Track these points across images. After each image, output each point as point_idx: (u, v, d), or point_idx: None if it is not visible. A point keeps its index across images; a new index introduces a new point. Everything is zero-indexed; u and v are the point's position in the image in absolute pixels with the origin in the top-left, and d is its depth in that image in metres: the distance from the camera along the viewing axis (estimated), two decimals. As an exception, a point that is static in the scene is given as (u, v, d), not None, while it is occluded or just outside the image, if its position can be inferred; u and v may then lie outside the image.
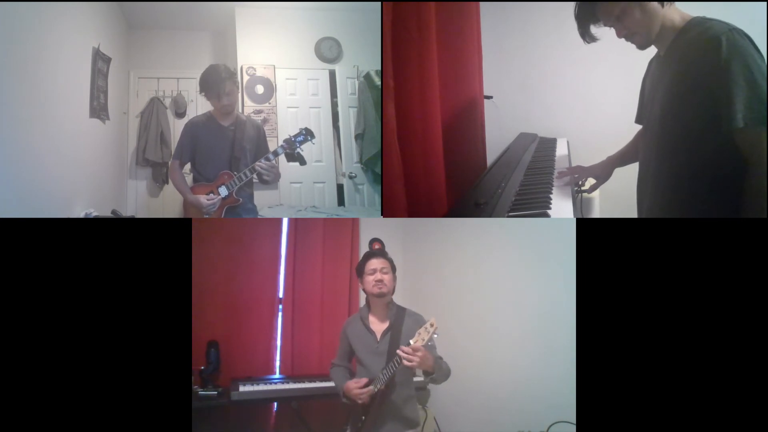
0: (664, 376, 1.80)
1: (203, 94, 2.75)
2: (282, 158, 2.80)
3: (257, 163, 2.69)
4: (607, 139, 2.50)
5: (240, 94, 4.12)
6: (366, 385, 1.94)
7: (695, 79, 1.65)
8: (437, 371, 1.86)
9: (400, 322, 2.01)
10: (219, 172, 2.73)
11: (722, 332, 1.79)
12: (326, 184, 4.35)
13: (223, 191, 2.71)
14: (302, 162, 2.89)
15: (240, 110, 3.99)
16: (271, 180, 2.75)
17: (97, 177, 3.44)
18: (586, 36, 1.88)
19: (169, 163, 3.95)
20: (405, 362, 1.77)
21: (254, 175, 2.70)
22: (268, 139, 2.98)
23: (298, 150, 2.77)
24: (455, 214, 2.26)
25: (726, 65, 1.56)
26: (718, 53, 1.57)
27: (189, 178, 2.89)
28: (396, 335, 1.97)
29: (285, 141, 2.77)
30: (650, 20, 1.75)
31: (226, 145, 2.74)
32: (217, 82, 2.66)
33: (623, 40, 1.85)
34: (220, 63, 2.82)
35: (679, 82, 1.71)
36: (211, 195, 2.71)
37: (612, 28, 1.83)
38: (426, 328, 1.77)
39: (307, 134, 2.78)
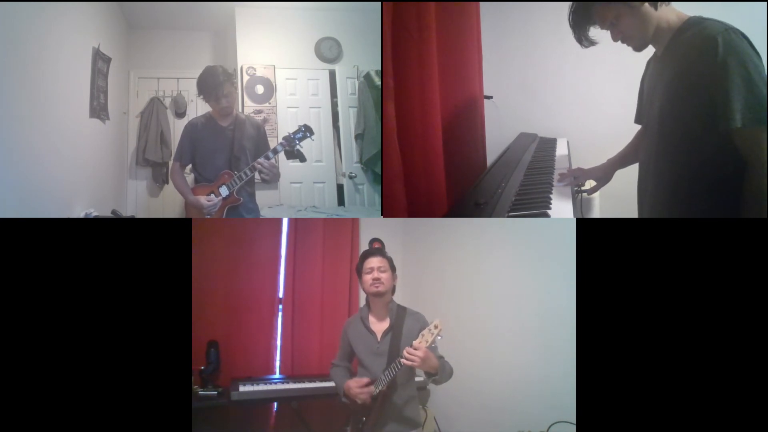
0: (664, 376, 1.80)
1: (201, 96, 2.73)
2: (282, 157, 2.79)
3: (257, 161, 2.68)
4: (607, 139, 2.50)
5: (240, 95, 4.13)
6: (367, 385, 1.94)
7: (693, 79, 1.65)
8: (440, 372, 1.85)
9: (401, 321, 2.00)
10: (219, 172, 2.73)
11: (722, 332, 1.79)
12: (326, 184, 4.35)
13: (224, 191, 2.71)
14: (302, 159, 2.86)
15: (240, 110, 3.98)
16: (270, 179, 2.74)
17: (97, 177, 3.44)
18: (584, 40, 1.88)
19: (170, 164, 3.95)
20: (405, 361, 1.76)
21: (255, 174, 2.70)
22: (268, 139, 2.96)
23: (298, 147, 2.75)
24: (455, 214, 2.26)
25: (723, 65, 1.56)
26: (715, 53, 1.57)
27: (191, 178, 2.89)
28: (397, 335, 1.96)
29: (284, 138, 2.76)
30: (644, 24, 1.75)
31: (225, 146, 2.74)
32: (215, 85, 2.65)
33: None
34: (217, 64, 2.80)
35: (677, 83, 1.71)
36: (212, 196, 2.71)
37: (608, 32, 1.83)
38: (430, 330, 1.76)
39: (306, 131, 2.75)
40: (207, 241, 2.89)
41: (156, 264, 1.89)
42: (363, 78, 4.24)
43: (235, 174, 2.70)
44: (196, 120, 2.83)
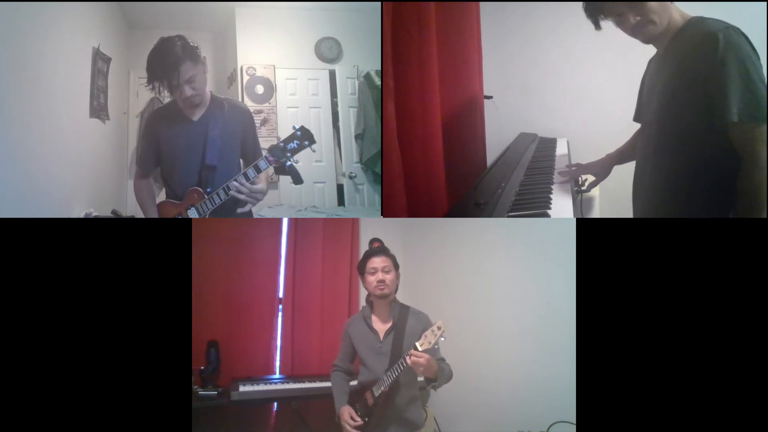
0: (663, 376, 1.80)
1: (150, 86, 1.95)
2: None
3: (232, 181, 2.01)
4: (607, 138, 2.50)
5: (239, 94, 4.12)
6: (359, 427, 1.91)
7: (692, 75, 1.66)
8: (439, 377, 1.84)
9: (404, 321, 1.98)
10: (188, 187, 2.09)
11: (722, 332, 1.79)
12: (326, 184, 4.35)
13: (193, 215, 2.10)
14: (296, 179, 2.10)
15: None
16: (252, 203, 2.08)
17: (97, 177, 3.44)
18: (600, 22, 1.85)
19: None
20: (409, 361, 1.74)
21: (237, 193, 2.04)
22: (257, 133, 2.32)
23: (291, 162, 2.04)
24: (455, 214, 2.26)
25: (722, 61, 1.58)
26: (715, 49, 1.59)
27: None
28: (399, 335, 1.95)
29: (270, 150, 2.03)
30: (664, 10, 1.75)
31: (195, 151, 2.06)
32: (170, 66, 1.88)
33: (624, 39, 1.85)
34: (174, 35, 1.97)
35: (677, 79, 1.72)
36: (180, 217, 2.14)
37: (618, 21, 1.80)
38: (433, 331, 1.74)
39: (303, 138, 2.03)
40: (207, 241, 2.89)
41: (156, 264, 1.88)
42: (363, 78, 4.25)
43: (206, 195, 2.05)
44: (159, 111, 2.14)
